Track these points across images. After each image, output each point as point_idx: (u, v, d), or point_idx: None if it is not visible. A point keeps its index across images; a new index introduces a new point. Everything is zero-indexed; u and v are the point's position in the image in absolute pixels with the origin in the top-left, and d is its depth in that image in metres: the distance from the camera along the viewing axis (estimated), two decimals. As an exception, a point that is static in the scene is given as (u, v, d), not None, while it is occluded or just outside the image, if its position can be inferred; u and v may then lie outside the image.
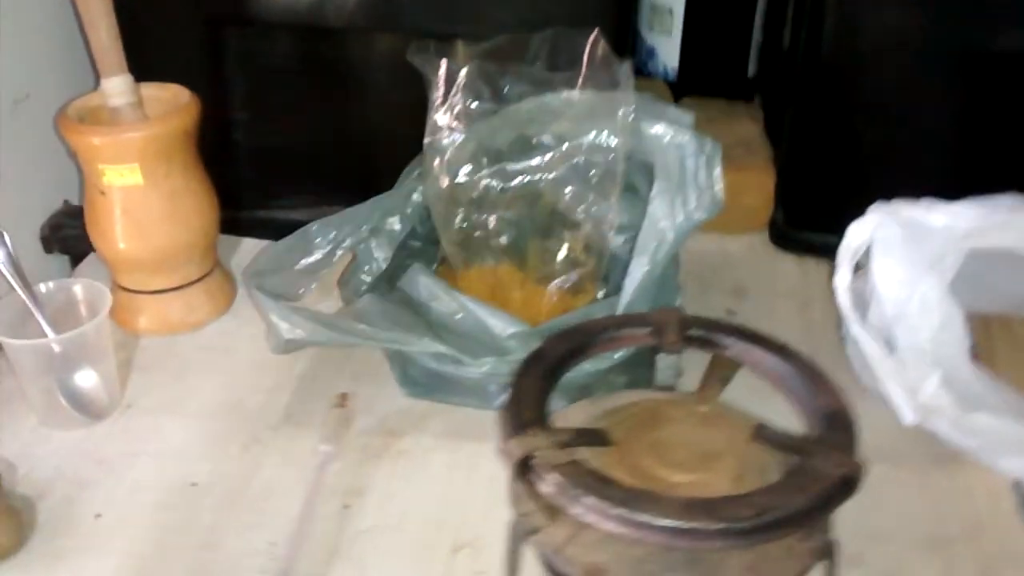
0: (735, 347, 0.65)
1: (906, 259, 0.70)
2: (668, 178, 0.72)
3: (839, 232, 0.97)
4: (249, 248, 0.98)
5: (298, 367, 0.82)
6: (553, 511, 0.58)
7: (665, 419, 0.63)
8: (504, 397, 0.74)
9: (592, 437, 0.58)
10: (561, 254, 0.81)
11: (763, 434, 0.59)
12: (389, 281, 0.84)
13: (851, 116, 0.93)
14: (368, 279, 0.83)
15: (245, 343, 0.86)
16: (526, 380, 0.61)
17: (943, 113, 0.90)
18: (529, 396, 0.60)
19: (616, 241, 0.82)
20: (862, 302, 0.76)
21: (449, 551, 0.66)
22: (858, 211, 0.84)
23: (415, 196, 0.85)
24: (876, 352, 0.71)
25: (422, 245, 0.88)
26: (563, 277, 0.81)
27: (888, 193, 0.84)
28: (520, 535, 0.59)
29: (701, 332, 0.65)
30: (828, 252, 0.97)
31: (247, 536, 0.67)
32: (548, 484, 0.54)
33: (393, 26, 0.91)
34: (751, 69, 1.13)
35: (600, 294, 0.84)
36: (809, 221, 0.99)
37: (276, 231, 0.99)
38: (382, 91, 0.94)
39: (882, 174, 0.93)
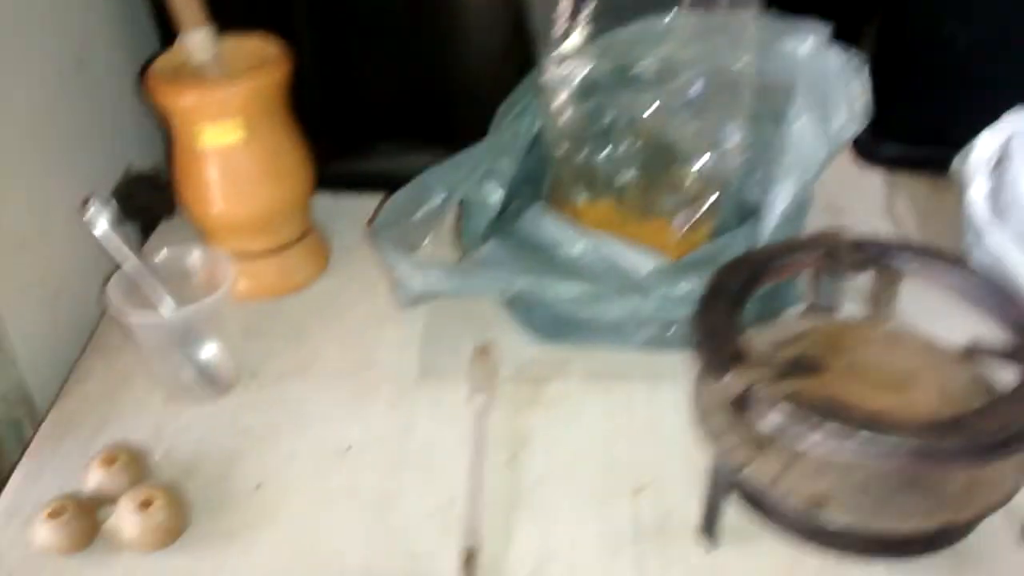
0: (912, 264, 0.64)
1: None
2: (812, 96, 0.70)
3: (928, 144, 0.95)
4: (324, 204, 0.94)
5: (419, 321, 0.80)
6: (762, 443, 0.57)
7: (849, 343, 0.63)
8: (683, 333, 0.72)
9: (804, 366, 0.57)
10: (684, 186, 0.79)
11: (976, 349, 0.58)
12: (495, 225, 0.81)
13: (942, 23, 0.91)
14: (483, 224, 0.80)
15: (354, 301, 0.83)
16: (714, 314, 0.60)
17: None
18: (725, 330, 0.58)
19: (730, 167, 0.80)
20: (981, 212, 0.75)
21: (630, 494, 0.65)
22: (949, 120, 0.83)
23: (519, 137, 0.82)
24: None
25: (522, 186, 0.86)
26: (688, 209, 0.79)
27: (980, 102, 0.83)
28: (727, 471, 0.58)
29: (875, 252, 0.64)
30: (917, 165, 0.98)
31: (419, 494, 0.66)
32: (775, 416, 0.53)
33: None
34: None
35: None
36: (896, 134, 0.97)
37: (352, 184, 0.97)
38: (463, 32, 0.90)
39: (972, 83, 0.91)
